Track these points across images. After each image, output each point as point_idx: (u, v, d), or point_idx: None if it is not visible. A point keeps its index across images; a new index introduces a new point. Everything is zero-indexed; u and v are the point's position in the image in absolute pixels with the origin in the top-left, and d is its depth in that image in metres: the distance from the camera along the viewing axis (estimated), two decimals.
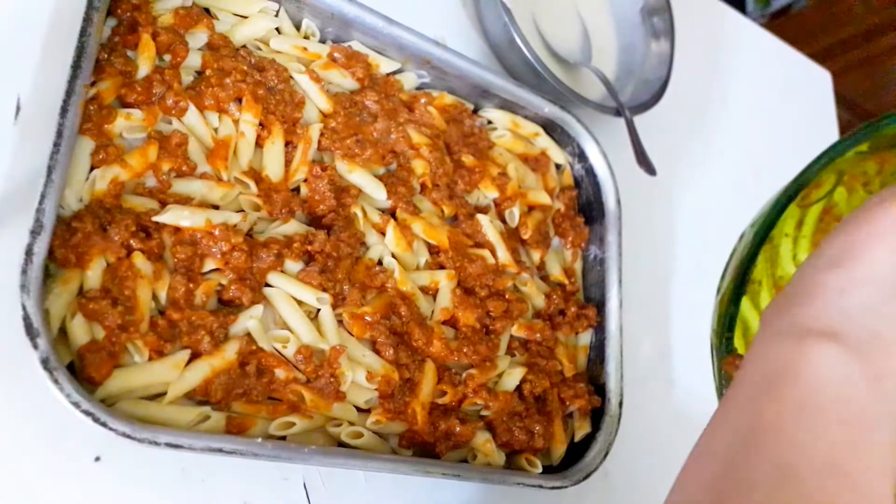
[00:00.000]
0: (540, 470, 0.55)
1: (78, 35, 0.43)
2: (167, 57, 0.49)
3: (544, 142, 0.67)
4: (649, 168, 0.68)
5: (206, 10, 0.53)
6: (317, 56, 0.56)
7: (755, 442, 0.29)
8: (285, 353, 0.47)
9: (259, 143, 0.51)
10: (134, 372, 0.41)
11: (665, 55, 0.76)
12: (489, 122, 0.65)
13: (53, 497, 0.40)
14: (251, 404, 0.45)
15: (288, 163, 0.52)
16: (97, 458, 0.42)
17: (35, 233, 0.38)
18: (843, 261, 0.32)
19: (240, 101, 0.50)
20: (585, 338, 0.63)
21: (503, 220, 0.63)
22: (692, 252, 0.78)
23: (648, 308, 0.73)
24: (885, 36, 1.77)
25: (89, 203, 0.43)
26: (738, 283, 0.44)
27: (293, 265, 0.49)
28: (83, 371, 0.39)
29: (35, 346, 0.36)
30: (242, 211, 0.49)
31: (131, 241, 0.43)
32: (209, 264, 0.46)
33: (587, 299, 0.65)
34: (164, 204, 0.46)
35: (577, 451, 0.58)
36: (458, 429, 0.51)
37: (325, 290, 0.49)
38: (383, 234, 0.54)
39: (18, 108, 0.45)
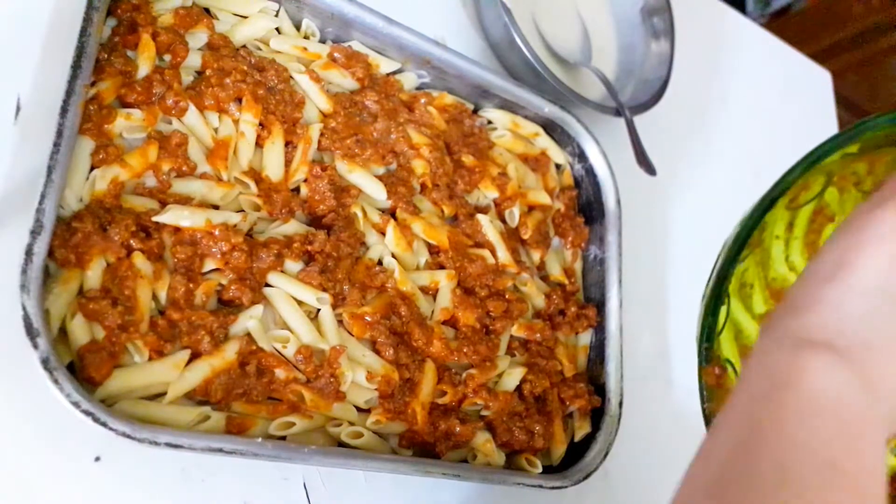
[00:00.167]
0: (540, 470, 0.55)
1: (78, 35, 0.43)
2: (167, 57, 0.49)
3: (544, 142, 0.67)
4: (649, 168, 0.68)
5: (206, 10, 0.53)
6: (317, 56, 0.56)
7: (755, 443, 0.30)
8: (285, 353, 0.47)
9: (259, 143, 0.51)
10: (134, 372, 0.41)
11: (665, 55, 0.76)
12: (489, 122, 0.65)
13: (53, 497, 0.40)
14: (251, 404, 0.45)
15: (288, 163, 0.52)
16: (97, 458, 0.42)
17: (35, 233, 0.38)
18: (836, 273, 0.33)
19: (240, 101, 0.50)
20: (585, 338, 0.63)
21: (503, 220, 0.63)
22: (692, 252, 0.78)
23: (648, 308, 0.73)
24: (885, 36, 1.77)
25: (89, 203, 0.43)
26: (715, 295, 0.45)
27: (293, 265, 0.49)
28: (83, 371, 0.39)
29: (35, 346, 0.36)
30: (242, 211, 0.49)
31: (131, 241, 0.43)
32: (209, 264, 0.46)
33: (587, 299, 0.65)
34: (164, 204, 0.46)
35: (577, 451, 0.58)
36: (458, 429, 0.51)
37: (325, 290, 0.49)
38: (383, 234, 0.54)
39: (18, 108, 0.45)
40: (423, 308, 0.54)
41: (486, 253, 0.59)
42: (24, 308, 0.36)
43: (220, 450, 0.40)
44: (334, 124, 0.54)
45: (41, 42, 0.46)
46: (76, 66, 0.42)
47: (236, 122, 0.50)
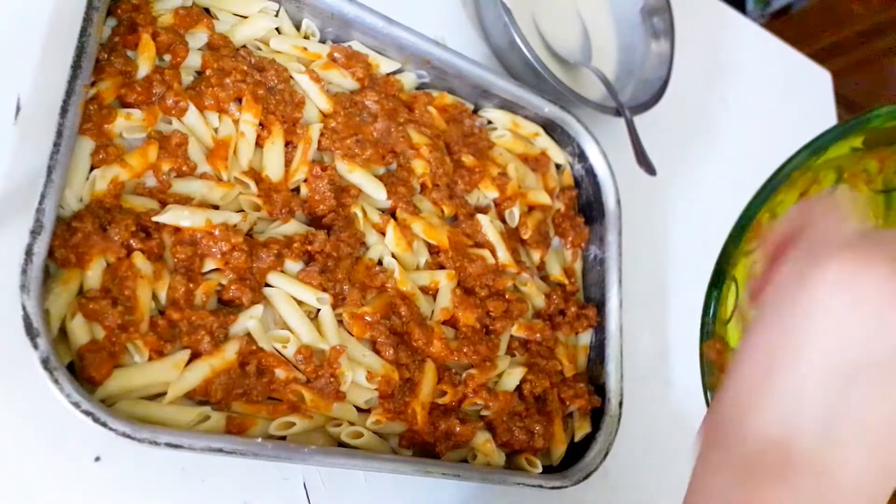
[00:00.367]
0: (540, 470, 0.55)
1: (78, 35, 0.43)
2: (167, 57, 0.49)
3: (544, 142, 0.67)
4: (649, 168, 0.68)
5: (206, 10, 0.53)
6: (317, 56, 0.56)
7: None
8: (285, 353, 0.47)
9: (259, 143, 0.51)
10: (134, 372, 0.41)
11: (665, 55, 0.76)
12: (489, 122, 0.65)
13: (53, 497, 0.40)
14: (251, 404, 0.45)
15: (288, 163, 0.52)
16: (97, 458, 0.42)
17: (35, 233, 0.38)
18: (776, 361, 0.30)
19: (240, 101, 0.50)
20: (585, 338, 0.63)
21: (503, 220, 0.63)
22: (692, 252, 0.78)
23: (648, 308, 0.73)
24: (885, 36, 1.77)
25: (89, 203, 0.43)
26: (717, 272, 0.46)
27: (293, 265, 0.49)
28: (83, 371, 0.39)
29: (35, 346, 0.36)
30: (242, 211, 0.49)
31: (131, 241, 0.43)
32: (209, 264, 0.46)
33: (587, 299, 0.65)
34: (164, 204, 0.46)
35: (577, 451, 0.58)
36: (458, 429, 0.51)
37: (325, 290, 0.49)
38: (383, 234, 0.54)
39: (18, 108, 0.45)
40: (423, 308, 0.54)
41: (486, 253, 0.59)
42: (24, 308, 0.36)
43: (220, 450, 0.40)
44: (334, 124, 0.54)
45: (41, 42, 0.46)
46: (76, 66, 0.42)
47: (236, 122, 0.50)
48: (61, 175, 0.40)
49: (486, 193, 0.62)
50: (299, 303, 0.48)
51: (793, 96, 1.02)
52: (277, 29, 0.56)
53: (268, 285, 0.48)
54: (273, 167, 0.51)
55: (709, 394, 0.47)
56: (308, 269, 0.49)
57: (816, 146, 0.43)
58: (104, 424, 0.37)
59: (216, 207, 0.48)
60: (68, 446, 0.41)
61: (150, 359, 0.42)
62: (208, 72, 0.50)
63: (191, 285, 0.45)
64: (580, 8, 0.77)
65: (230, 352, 0.44)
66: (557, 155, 0.68)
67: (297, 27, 0.57)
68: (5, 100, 0.44)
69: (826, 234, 0.31)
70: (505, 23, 0.65)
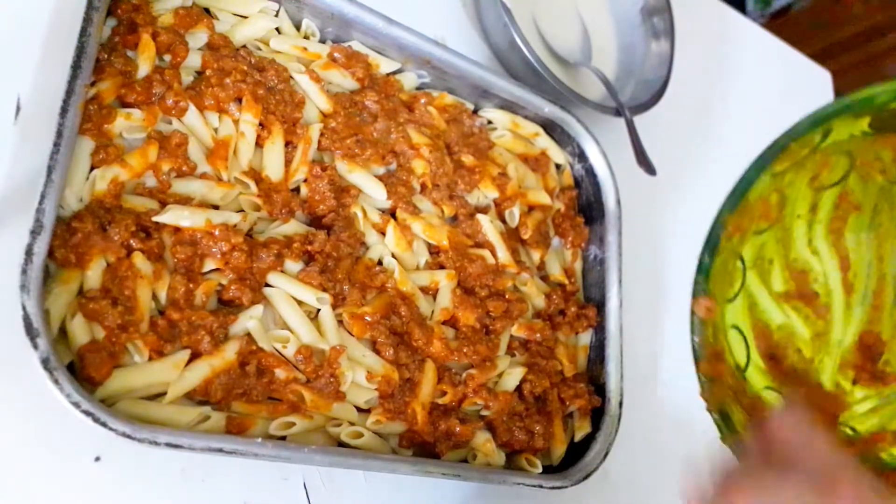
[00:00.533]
0: (540, 470, 0.55)
1: (78, 35, 0.43)
2: (167, 57, 0.49)
3: (544, 142, 0.67)
4: (649, 168, 0.68)
5: (206, 10, 0.53)
6: (317, 56, 0.56)
7: None
8: (285, 353, 0.47)
9: (259, 143, 0.51)
10: (134, 372, 0.41)
11: (665, 55, 0.76)
12: (489, 122, 0.65)
13: (53, 497, 0.40)
14: (251, 404, 0.45)
15: (288, 163, 0.52)
16: (97, 458, 0.42)
17: (35, 233, 0.38)
18: None
19: (240, 101, 0.50)
20: (585, 338, 0.63)
21: (503, 220, 0.63)
22: (692, 252, 0.78)
23: (648, 308, 0.72)
24: (885, 36, 1.77)
25: (89, 203, 0.43)
26: (710, 236, 0.48)
27: (293, 265, 0.49)
28: (83, 371, 0.39)
29: (35, 346, 0.36)
30: (242, 211, 0.49)
31: (131, 241, 0.43)
32: (209, 264, 0.46)
33: (587, 299, 0.65)
34: (164, 204, 0.46)
35: (577, 451, 0.58)
36: (458, 429, 0.51)
37: (325, 290, 0.49)
38: (383, 234, 0.54)
39: (18, 108, 0.45)
40: (423, 308, 0.54)
41: (486, 253, 0.59)
42: (24, 308, 0.36)
43: (220, 450, 0.40)
44: (334, 124, 0.54)
45: (41, 42, 0.46)
46: (76, 66, 0.42)
47: (236, 122, 0.50)
48: (61, 175, 0.40)
49: (486, 193, 0.62)
50: (299, 303, 0.48)
51: (793, 96, 1.02)
52: (277, 29, 0.56)
53: (268, 285, 0.48)
54: (273, 167, 0.51)
55: (696, 344, 0.48)
56: (308, 269, 0.49)
57: (817, 117, 0.43)
58: (104, 424, 0.37)
59: (216, 207, 0.48)
60: (68, 446, 0.41)
61: (150, 359, 0.42)
62: (208, 72, 0.50)
63: (191, 285, 0.45)
64: (580, 8, 0.77)
65: (230, 352, 0.44)
66: (557, 155, 0.68)
67: (297, 27, 0.57)
68: (5, 100, 0.44)
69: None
70: (505, 23, 0.65)
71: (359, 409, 0.49)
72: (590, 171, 0.67)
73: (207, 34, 0.51)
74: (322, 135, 0.54)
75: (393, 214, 0.56)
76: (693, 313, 0.48)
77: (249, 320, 0.46)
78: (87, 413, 0.37)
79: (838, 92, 1.07)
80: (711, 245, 0.48)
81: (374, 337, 0.50)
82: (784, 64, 1.04)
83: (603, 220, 0.66)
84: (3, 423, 0.40)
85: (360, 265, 0.52)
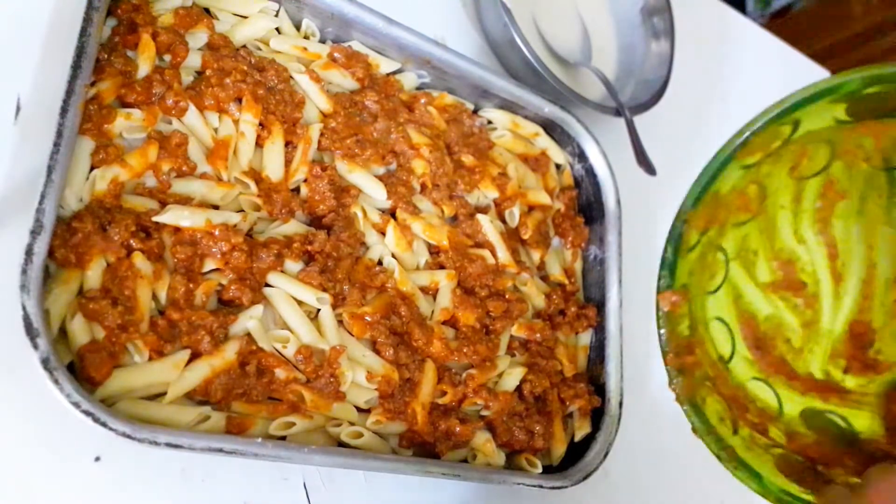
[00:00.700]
0: (540, 470, 0.55)
1: (78, 35, 0.43)
2: (167, 57, 0.49)
3: (544, 142, 0.67)
4: (649, 168, 0.68)
5: (206, 10, 0.53)
6: (317, 56, 0.56)
7: None
8: (285, 353, 0.47)
9: (259, 143, 0.51)
10: (134, 372, 0.41)
11: (665, 55, 0.76)
12: (489, 122, 0.65)
13: (53, 497, 0.40)
14: (251, 404, 0.45)
15: (288, 163, 0.52)
16: (97, 458, 0.42)
17: (35, 233, 0.38)
18: None
19: (240, 101, 0.50)
20: (585, 338, 0.63)
21: (503, 220, 0.63)
22: None
23: (648, 308, 0.72)
24: (885, 36, 1.77)
25: (89, 203, 0.43)
26: (673, 227, 0.50)
27: (293, 265, 0.49)
28: (83, 371, 0.39)
29: (35, 346, 0.36)
30: (242, 211, 0.49)
31: (131, 241, 0.43)
32: (209, 264, 0.46)
33: (587, 299, 0.65)
34: (164, 204, 0.46)
35: (577, 451, 0.58)
36: (458, 429, 0.51)
37: (325, 290, 0.49)
38: (383, 234, 0.54)
39: (18, 108, 0.45)
40: (423, 308, 0.54)
41: (486, 253, 0.59)
42: (24, 308, 0.36)
43: (220, 450, 0.40)
44: (334, 124, 0.54)
45: (41, 42, 0.46)
46: (76, 66, 0.42)
47: (236, 122, 0.50)
48: (61, 175, 0.40)
49: (486, 193, 0.62)
50: (299, 303, 0.48)
51: None
52: (277, 29, 0.56)
53: (268, 285, 0.48)
54: (273, 167, 0.51)
55: (662, 338, 0.50)
56: (308, 269, 0.49)
57: (784, 108, 0.44)
58: (104, 424, 0.37)
59: (216, 207, 0.48)
60: (68, 446, 0.41)
61: (150, 359, 0.42)
62: (208, 72, 0.50)
63: (191, 285, 0.45)
64: (580, 8, 0.77)
65: (230, 352, 0.44)
66: (557, 155, 0.68)
67: (297, 27, 0.57)
68: (5, 100, 0.44)
69: None
70: (505, 23, 0.65)
71: (359, 409, 0.49)
72: (590, 171, 0.67)
73: (207, 34, 0.51)
74: (322, 135, 0.54)
75: (393, 214, 0.56)
76: (658, 307, 0.49)
77: (249, 320, 0.46)
78: (87, 413, 0.37)
79: None
80: (674, 240, 0.49)
81: (374, 337, 0.50)
82: (784, 64, 1.04)
83: (603, 220, 0.66)
84: (3, 423, 0.40)
85: (360, 265, 0.52)
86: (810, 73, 1.07)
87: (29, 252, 0.38)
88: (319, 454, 0.44)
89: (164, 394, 0.42)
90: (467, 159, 0.61)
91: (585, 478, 0.55)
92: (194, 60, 0.50)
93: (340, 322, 0.50)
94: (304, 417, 0.46)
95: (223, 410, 0.44)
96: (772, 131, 0.45)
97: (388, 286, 0.53)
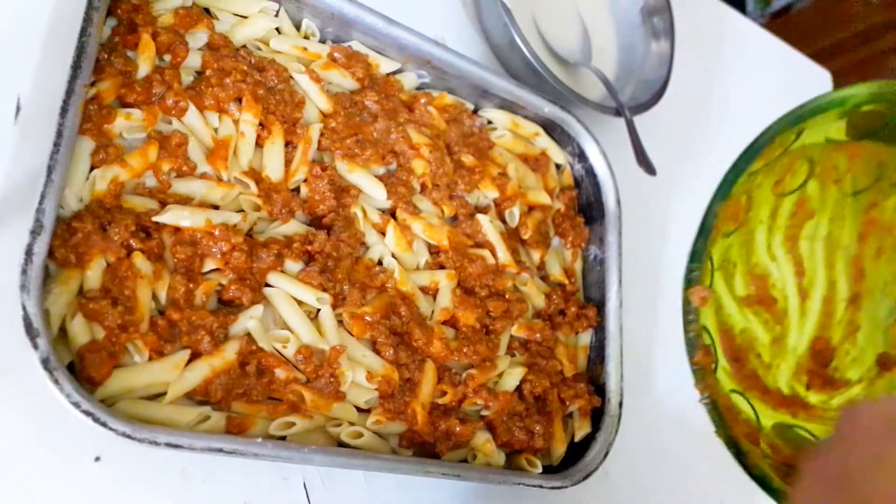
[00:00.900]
0: (540, 470, 0.55)
1: (78, 35, 0.43)
2: (167, 57, 0.49)
3: (544, 142, 0.67)
4: (649, 168, 0.68)
5: (206, 10, 0.53)
6: (317, 56, 0.56)
7: None
8: (285, 353, 0.47)
9: (259, 143, 0.51)
10: (134, 372, 0.41)
11: (665, 55, 0.76)
12: (489, 122, 0.65)
13: (53, 497, 0.40)
14: (251, 404, 0.45)
15: (288, 163, 0.52)
16: (97, 458, 0.42)
17: (35, 233, 0.38)
18: None
19: (240, 101, 0.50)
20: (585, 338, 0.63)
21: (503, 220, 0.63)
22: None
23: (648, 308, 0.72)
24: (885, 36, 1.77)
25: (89, 203, 0.43)
26: (701, 226, 0.50)
27: (293, 265, 0.49)
28: (83, 371, 0.39)
29: (35, 346, 0.36)
30: (242, 211, 0.49)
31: (131, 241, 0.43)
32: (209, 264, 0.46)
33: (587, 299, 0.65)
34: (164, 204, 0.46)
35: (577, 451, 0.58)
36: (458, 429, 0.51)
37: (325, 290, 0.49)
38: (383, 234, 0.54)
39: (18, 108, 0.45)
40: (423, 308, 0.54)
41: (486, 253, 0.59)
42: (24, 308, 0.36)
43: (220, 450, 0.40)
44: (334, 124, 0.54)
45: (41, 42, 0.46)
46: (76, 66, 0.42)
47: (236, 122, 0.50)
48: (61, 175, 0.40)
49: (486, 193, 0.62)
50: (299, 303, 0.48)
51: (793, 96, 1.02)
52: (277, 29, 0.56)
53: (268, 285, 0.48)
54: (273, 167, 0.51)
55: (689, 335, 0.49)
56: (308, 269, 0.49)
57: (796, 116, 0.44)
58: (104, 424, 0.37)
59: (216, 207, 0.48)
60: (68, 446, 0.41)
61: (150, 359, 0.42)
62: (208, 72, 0.50)
63: (191, 285, 0.45)
64: (580, 8, 0.77)
65: (230, 352, 0.44)
66: (557, 155, 0.68)
67: (297, 27, 0.57)
68: (5, 100, 0.44)
69: None
70: (505, 23, 0.65)
71: (359, 409, 0.49)
72: (590, 171, 0.67)
73: (207, 34, 0.51)
74: (322, 135, 0.54)
75: (393, 214, 0.56)
76: (687, 302, 0.48)
77: (249, 320, 0.46)
78: (87, 413, 0.37)
79: None
80: (706, 233, 0.49)
81: (374, 337, 0.50)
82: (784, 64, 1.04)
83: (603, 220, 0.66)
84: (3, 423, 0.40)
85: (360, 265, 0.52)
86: (810, 73, 1.07)
87: (29, 252, 0.38)
88: (319, 454, 0.44)
89: (164, 394, 0.42)
90: (467, 159, 0.61)
91: (585, 478, 0.55)
92: (194, 60, 0.50)
93: (340, 322, 0.50)
94: (304, 417, 0.46)
95: (223, 410, 0.44)
96: (781, 138, 0.45)
97: (388, 286, 0.53)
